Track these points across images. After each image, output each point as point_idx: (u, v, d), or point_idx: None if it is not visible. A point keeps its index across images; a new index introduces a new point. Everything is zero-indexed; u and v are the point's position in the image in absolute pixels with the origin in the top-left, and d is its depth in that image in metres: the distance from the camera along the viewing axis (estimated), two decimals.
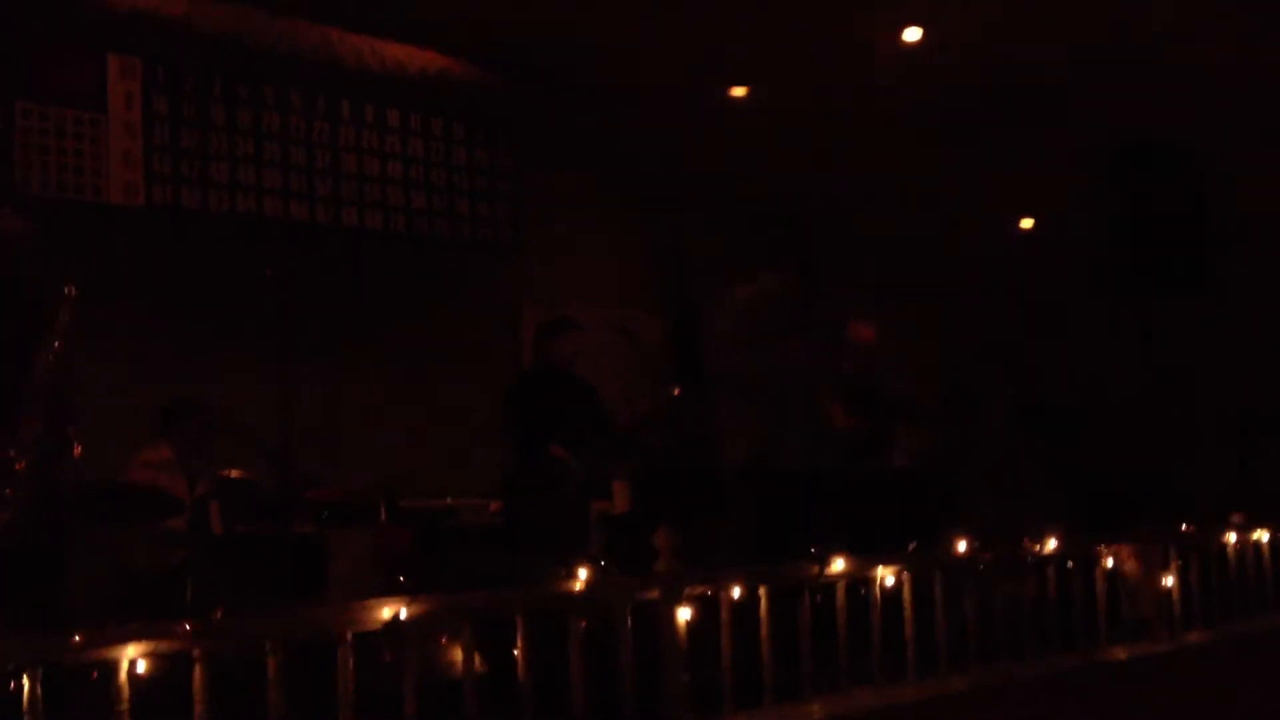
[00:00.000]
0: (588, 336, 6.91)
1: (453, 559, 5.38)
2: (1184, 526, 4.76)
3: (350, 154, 8.15)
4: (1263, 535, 5.09)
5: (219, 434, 6.64)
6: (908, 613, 3.99)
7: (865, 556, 3.96)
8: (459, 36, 8.25)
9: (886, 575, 3.96)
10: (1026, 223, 9.89)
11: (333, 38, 8.01)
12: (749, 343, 5.26)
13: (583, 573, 3.51)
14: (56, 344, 4.29)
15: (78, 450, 4.36)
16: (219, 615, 3.01)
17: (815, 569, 3.86)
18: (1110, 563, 4.51)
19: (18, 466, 4.14)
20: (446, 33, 8.20)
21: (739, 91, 8.96)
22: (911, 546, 3.98)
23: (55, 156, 6.97)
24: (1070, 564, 4.39)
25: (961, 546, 4.15)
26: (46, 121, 6.97)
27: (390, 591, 3.38)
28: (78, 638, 2.83)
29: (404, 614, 3.22)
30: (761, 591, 3.73)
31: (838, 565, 3.87)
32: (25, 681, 2.77)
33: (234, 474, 6.06)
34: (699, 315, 9.84)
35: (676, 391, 7.71)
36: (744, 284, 5.52)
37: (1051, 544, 4.33)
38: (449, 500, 6.15)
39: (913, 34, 8.02)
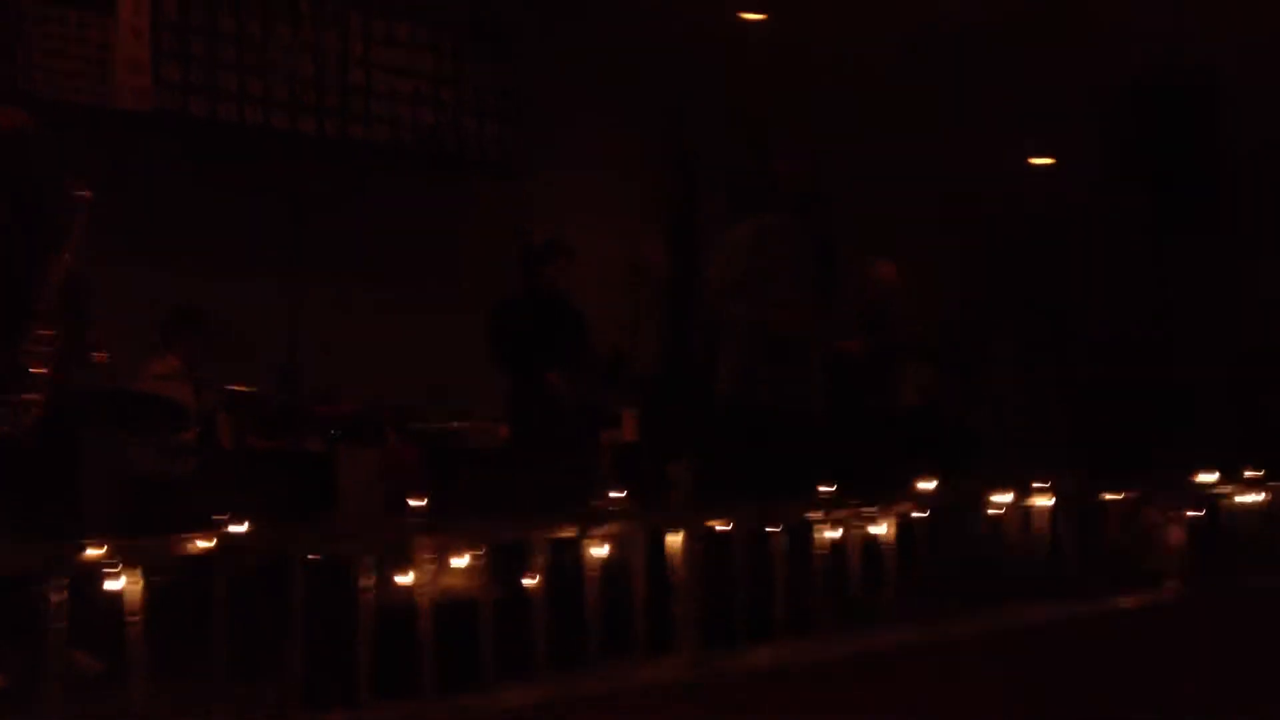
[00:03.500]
0: (580, 263, 6.86)
1: (463, 480, 5.37)
2: (1196, 479, 4.76)
3: (358, 67, 8.03)
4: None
5: (224, 345, 6.62)
6: (919, 553, 3.99)
7: (877, 495, 3.94)
8: None
9: (899, 513, 3.95)
10: (1041, 160, 9.80)
11: None
12: (744, 284, 5.17)
13: (600, 503, 3.50)
14: (69, 247, 4.24)
15: (101, 356, 4.33)
16: (241, 526, 2.98)
17: (830, 509, 3.84)
18: (1120, 511, 4.52)
19: (37, 371, 4.11)
20: None
21: (753, 16, 8.81)
22: (923, 486, 3.96)
23: (63, 59, 6.85)
24: (1079, 510, 4.39)
25: (978, 488, 4.15)
26: (55, 23, 6.84)
27: (400, 511, 3.34)
28: (101, 547, 2.81)
29: (423, 541, 3.21)
30: (776, 527, 3.73)
31: (853, 505, 3.86)
32: (46, 588, 2.76)
33: (240, 388, 6.04)
34: (706, 244, 9.78)
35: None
36: (737, 225, 5.42)
37: (1064, 488, 4.33)
38: (456, 423, 6.12)
39: None
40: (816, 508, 3.82)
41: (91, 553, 2.79)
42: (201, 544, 2.93)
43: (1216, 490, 4.86)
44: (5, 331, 4.17)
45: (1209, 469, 4.77)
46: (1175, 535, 4.55)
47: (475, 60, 8.57)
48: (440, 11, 8.32)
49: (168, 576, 3.39)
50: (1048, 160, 9.40)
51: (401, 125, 8.17)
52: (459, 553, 3.35)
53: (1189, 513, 4.69)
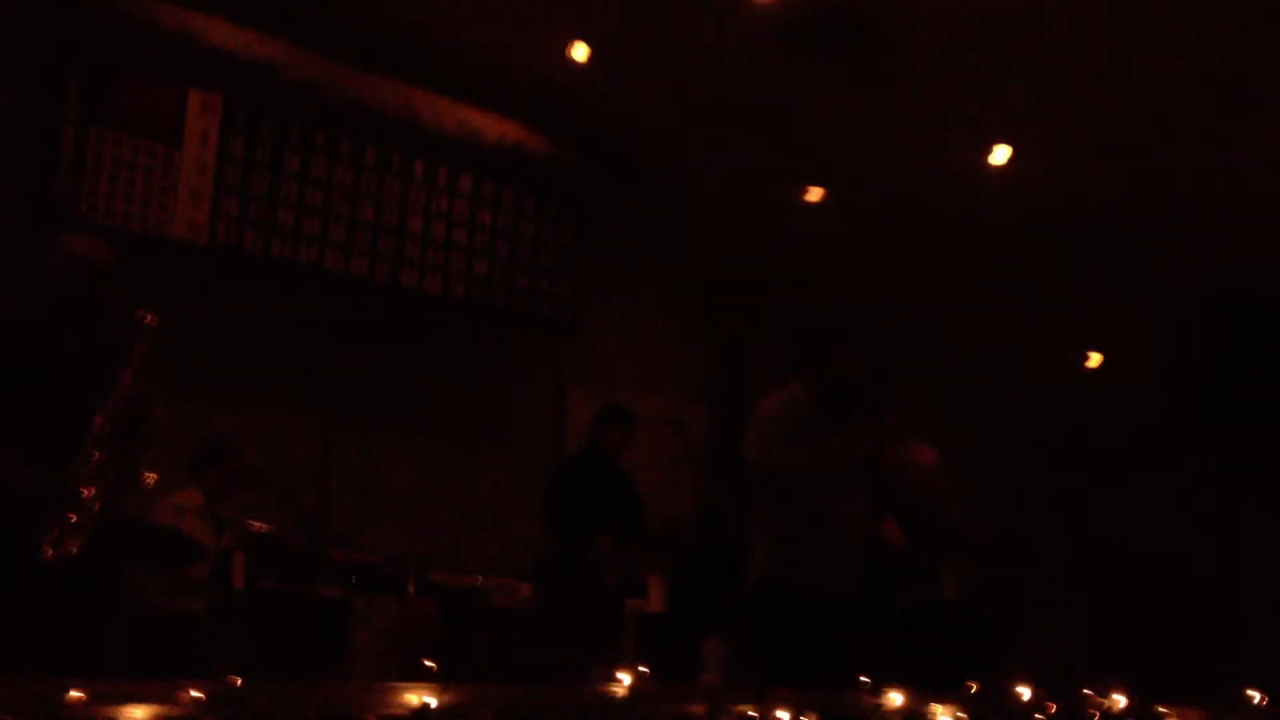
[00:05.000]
0: (640, 433, 6.84)
1: (481, 643, 5.14)
2: (1257, 699, 4.46)
3: (417, 215, 8.06)
4: None
5: (250, 481, 6.49)
6: None
7: (922, 693, 3.70)
8: (542, 111, 8.20)
9: (943, 716, 3.70)
10: (1094, 360, 9.63)
11: (415, 98, 7.96)
12: (771, 451, 5.00)
13: (624, 677, 3.28)
14: (131, 373, 4.20)
15: (148, 480, 4.24)
16: (236, 683, 2.79)
17: (869, 700, 3.60)
18: None
19: (85, 494, 4.01)
20: (530, 106, 8.16)
21: (813, 197, 8.82)
22: (971, 686, 3.72)
23: (125, 185, 6.91)
24: None
25: (1025, 694, 3.89)
26: (120, 149, 6.91)
27: (416, 671, 3.15)
28: (80, 693, 2.63)
29: (434, 703, 3.00)
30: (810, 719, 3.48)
31: (893, 699, 3.62)
32: None
33: (258, 526, 5.86)
34: (747, 412, 9.64)
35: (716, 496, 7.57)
36: (768, 396, 5.27)
37: (1121, 702, 4.06)
38: (480, 579, 5.93)
39: (1000, 155, 7.84)
40: (856, 702, 3.58)
41: (75, 694, 2.61)
42: (194, 693, 2.73)
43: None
44: (59, 451, 4.10)
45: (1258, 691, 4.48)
46: None
47: (535, 217, 8.60)
48: (504, 167, 8.36)
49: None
50: (1097, 359, 9.23)
51: (454, 276, 8.16)
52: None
53: None
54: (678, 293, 9.73)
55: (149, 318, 4.24)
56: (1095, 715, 4.01)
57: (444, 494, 7.76)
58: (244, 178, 7.36)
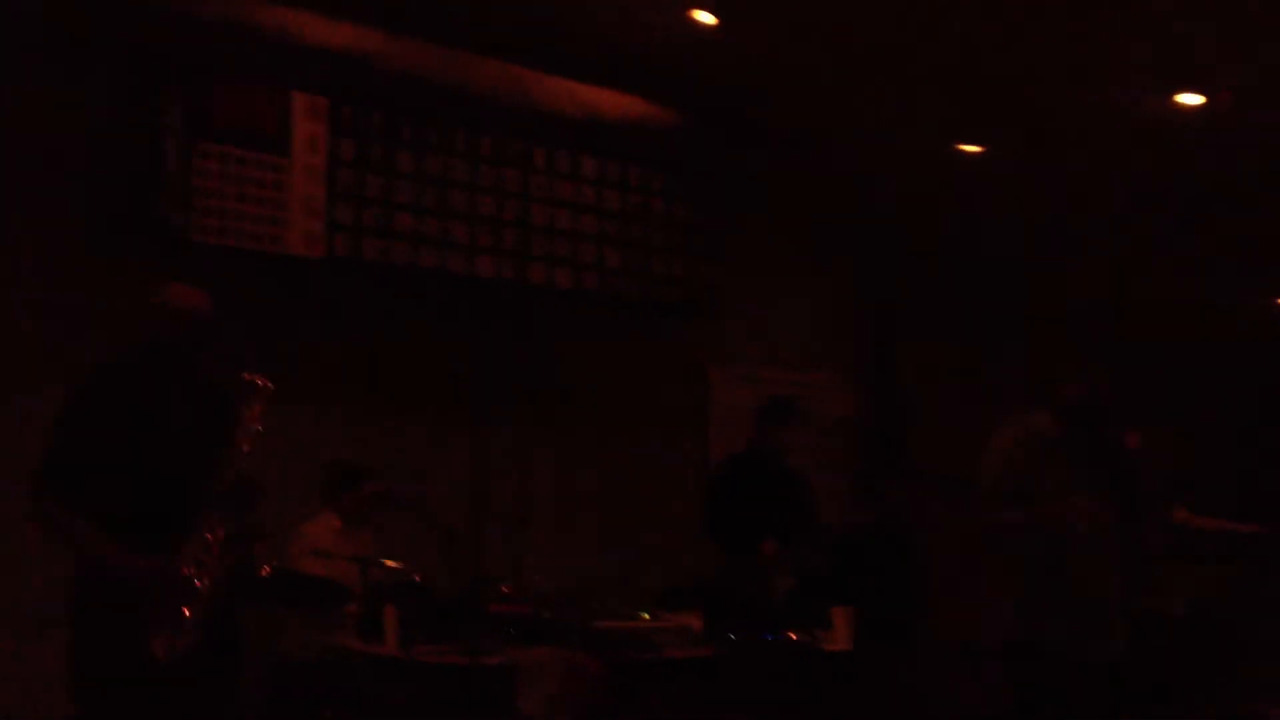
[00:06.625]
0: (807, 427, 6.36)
1: (657, 703, 4.65)
2: None
3: (541, 205, 7.50)
4: None
5: (391, 505, 6.12)
6: None
7: None
8: (664, 83, 7.58)
9: None
10: None
11: (527, 80, 7.39)
12: (1017, 496, 4.44)
13: None
14: (244, 438, 3.79)
15: (265, 571, 3.84)
16: None
17: None
18: None
19: (199, 585, 3.62)
20: (647, 77, 7.54)
21: (971, 148, 8.07)
22: None
23: (234, 203, 6.47)
24: None
25: None
26: (227, 164, 6.47)
27: None
28: None
29: None
30: None
31: None
32: None
33: (395, 566, 5.43)
34: (902, 390, 9.05)
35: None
36: (1004, 427, 4.69)
37: None
38: (646, 618, 5.38)
39: (1190, 99, 7.00)
40: None
41: None
42: None
43: None
44: (169, 530, 3.69)
45: None
46: None
47: (664, 195, 7.98)
48: (628, 145, 7.75)
49: None
50: None
51: (584, 267, 7.60)
52: None
53: None
54: (822, 264, 9.12)
55: (261, 381, 3.82)
56: None
57: (596, 502, 7.35)
58: (357, 182, 6.87)
